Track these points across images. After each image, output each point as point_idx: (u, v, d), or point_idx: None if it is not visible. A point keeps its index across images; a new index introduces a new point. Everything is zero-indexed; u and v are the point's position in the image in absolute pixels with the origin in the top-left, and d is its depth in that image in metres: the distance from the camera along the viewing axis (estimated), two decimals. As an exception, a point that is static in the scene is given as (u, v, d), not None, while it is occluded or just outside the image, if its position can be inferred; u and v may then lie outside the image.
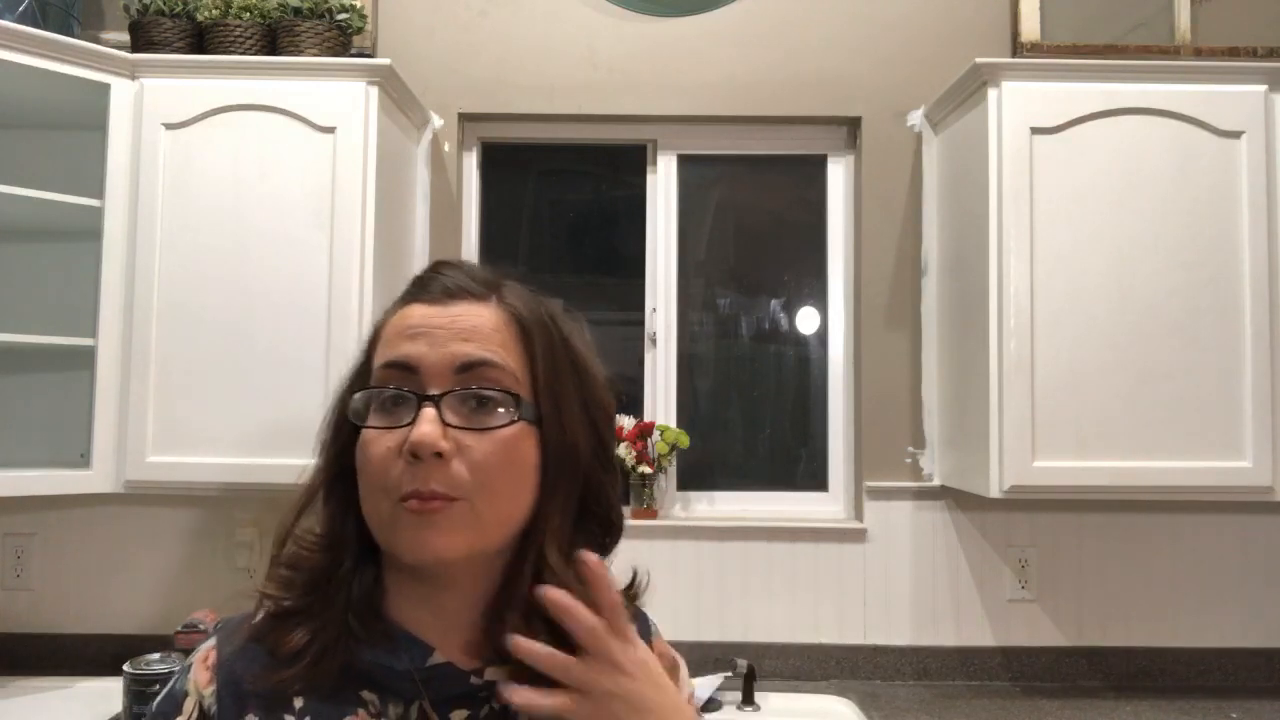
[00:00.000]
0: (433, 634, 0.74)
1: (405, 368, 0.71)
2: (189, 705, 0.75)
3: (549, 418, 0.73)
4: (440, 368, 0.71)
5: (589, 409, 0.77)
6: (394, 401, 0.71)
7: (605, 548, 0.78)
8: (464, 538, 0.69)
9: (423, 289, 0.75)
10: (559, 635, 0.69)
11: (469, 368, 0.71)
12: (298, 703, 0.72)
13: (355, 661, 0.72)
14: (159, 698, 0.77)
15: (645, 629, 0.84)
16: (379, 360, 0.73)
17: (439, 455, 0.68)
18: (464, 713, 0.73)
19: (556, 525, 0.73)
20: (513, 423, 0.70)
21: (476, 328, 0.72)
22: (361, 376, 0.76)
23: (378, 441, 0.70)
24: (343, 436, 0.75)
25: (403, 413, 0.70)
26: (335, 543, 0.75)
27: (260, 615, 0.75)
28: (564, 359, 0.76)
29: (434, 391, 0.70)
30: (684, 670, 0.86)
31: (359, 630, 0.72)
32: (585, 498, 0.76)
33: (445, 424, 0.69)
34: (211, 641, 0.77)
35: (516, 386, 0.72)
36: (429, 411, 0.69)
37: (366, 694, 0.72)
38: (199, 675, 0.75)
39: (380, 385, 0.72)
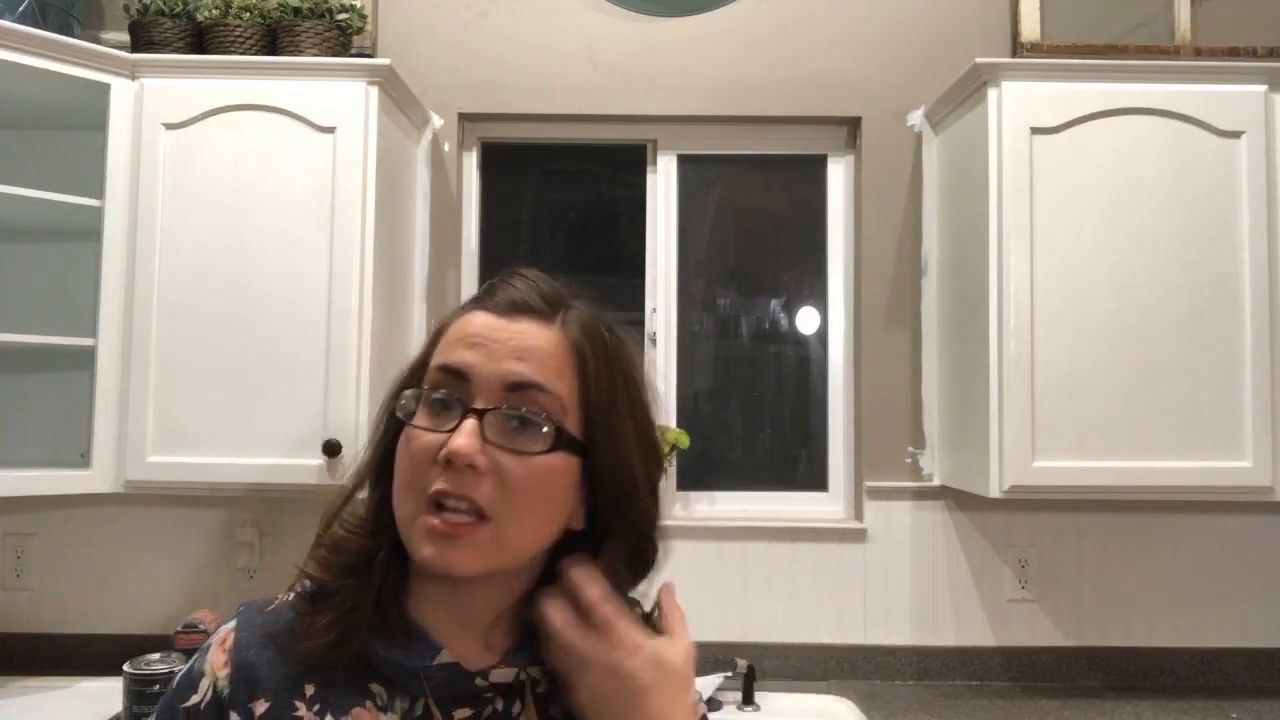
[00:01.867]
0: (445, 633, 0.75)
1: (458, 374, 0.72)
2: (204, 685, 0.75)
3: (601, 449, 0.73)
4: (490, 381, 0.71)
5: (642, 442, 0.76)
6: (442, 405, 0.71)
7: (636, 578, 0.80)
8: (483, 558, 0.70)
9: (490, 297, 0.75)
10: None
11: (519, 388, 0.71)
12: (308, 689, 0.73)
13: (367, 653, 0.73)
14: (180, 673, 0.79)
15: None
16: (436, 361, 0.74)
17: (473, 468, 0.69)
18: (467, 711, 0.74)
19: (614, 564, 0.76)
20: (550, 450, 0.70)
21: (533, 348, 0.72)
22: (417, 372, 0.76)
23: (418, 440, 0.71)
24: (394, 427, 0.76)
25: (447, 418, 0.71)
26: (377, 529, 0.76)
27: (293, 594, 0.77)
28: (621, 391, 0.75)
29: (480, 404, 0.70)
30: (694, 689, 0.87)
31: (378, 621, 0.74)
32: (639, 545, 0.78)
33: (485, 439, 0.69)
34: (232, 623, 0.79)
35: (562, 414, 0.72)
36: (470, 423, 0.69)
37: (375, 686, 0.74)
38: (216, 657, 0.76)
39: (431, 386, 0.73)
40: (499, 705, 0.74)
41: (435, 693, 0.73)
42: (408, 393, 0.74)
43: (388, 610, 0.74)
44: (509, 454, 0.69)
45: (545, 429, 0.70)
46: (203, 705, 0.74)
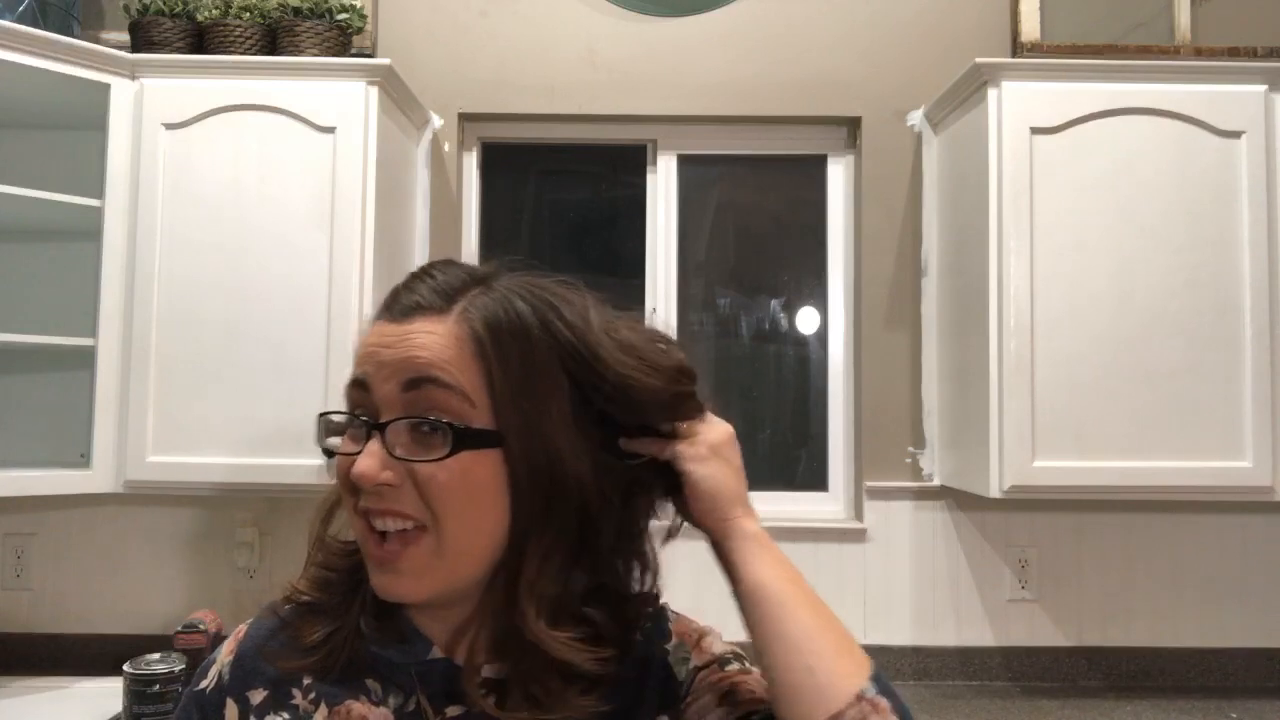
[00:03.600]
0: (437, 632, 0.76)
1: (362, 387, 0.71)
2: (213, 672, 0.80)
3: (516, 439, 0.69)
4: (388, 389, 0.69)
5: (595, 425, 0.71)
6: (358, 424, 0.71)
7: (625, 602, 0.75)
8: (427, 581, 0.69)
9: (389, 305, 0.73)
10: (533, 675, 0.69)
11: (414, 385, 0.68)
12: (305, 680, 0.76)
13: (363, 652, 0.75)
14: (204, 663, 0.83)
15: (662, 611, 0.82)
16: (348, 377, 0.73)
17: (388, 485, 0.68)
18: (459, 709, 0.74)
19: (534, 570, 0.69)
20: (454, 451, 0.67)
21: (425, 345, 0.69)
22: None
23: (338, 464, 0.72)
24: None
25: (359, 436, 0.70)
26: (357, 549, 0.76)
27: (289, 606, 0.79)
28: (542, 371, 0.70)
29: (385, 416, 0.69)
30: (716, 633, 0.84)
31: (370, 632, 0.75)
32: (586, 529, 0.71)
33: (393, 454, 0.68)
34: (252, 620, 0.82)
35: (468, 408, 0.68)
36: (372, 444, 0.68)
37: (371, 682, 0.75)
38: (227, 646, 0.81)
39: (349, 405, 0.72)
40: (491, 701, 0.73)
41: (427, 689, 0.74)
42: (323, 417, 0.73)
43: (380, 619, 0.75)
44: (418, 463, 0.68)
45: (443, 432, 0.67)
46: (208, 691, 0.79)
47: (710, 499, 0.74)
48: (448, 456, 0.67)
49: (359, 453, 0.68)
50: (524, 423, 0.69)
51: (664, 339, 0.77)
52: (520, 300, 0.71)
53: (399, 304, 0.72)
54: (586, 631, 0.70)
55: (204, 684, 0.79)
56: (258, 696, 0.76)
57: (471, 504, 0.69)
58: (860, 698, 0.65)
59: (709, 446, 0.75)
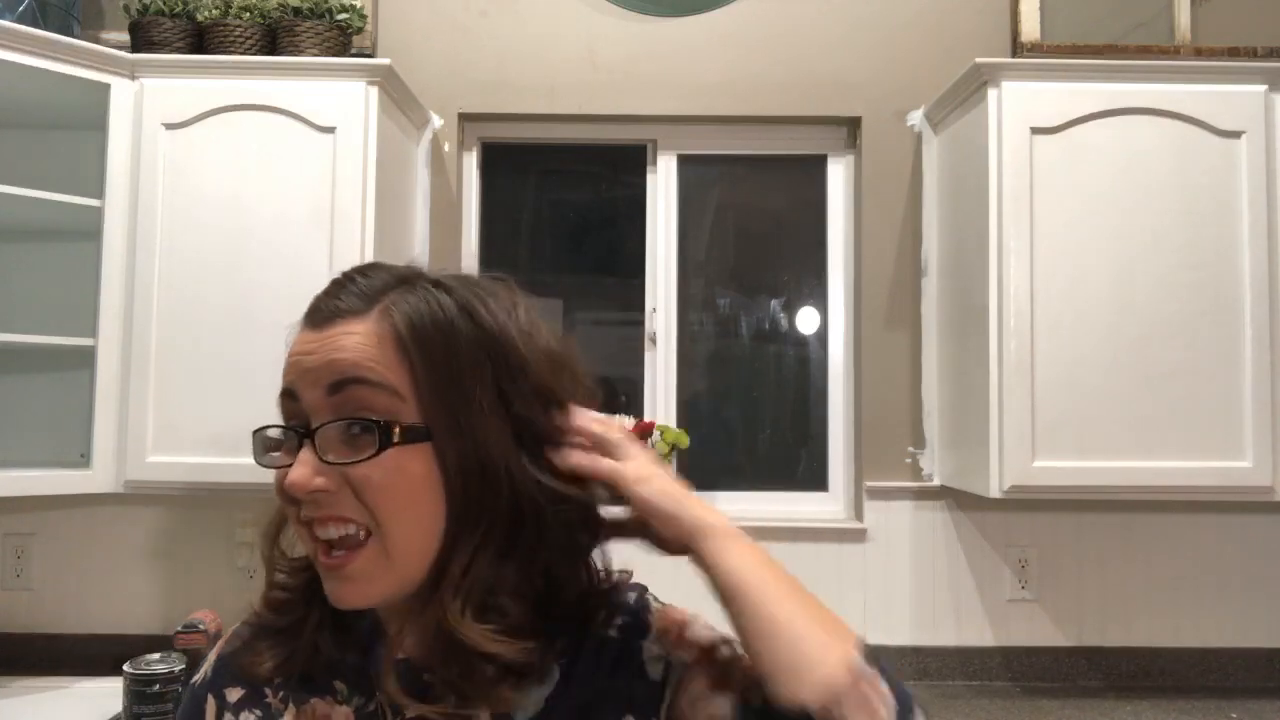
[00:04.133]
0: (403, 635, 0.75)
1: (291, 397, 0.71)
2: (204, 668, 0.84)
3: (443, 431, 0.68)
4: (315, 395, 0.69)
5: (515, 419, 0.70)
6: (291, 435, 0.70)
7: (559, 600, 0.73)
8: (377, 586, 0.69)
9: (311, 313, 0.73)
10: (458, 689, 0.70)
11: (339, 387, 0.68)
12: (277, 680, 0.78)
13: (328, 655, 0.77)
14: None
15: (643, 604, 0.80)
16: (279, 390, 0.73)
17: (323, 491, 0.68)
18: (419, 708, 0.73)
19: (462, 563, 0.69)
20: (382, 448, 0.66)
21: (346, 346, 0.69)
22: None
23: (275, 479, 0.71)
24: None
25: (293, 447, 0.70)
26: (311, 564, 0.75)
27: (250, 626, 0.82)
28: (468, 365, 0.69)
29: (315, 422, 0.69)
30: (701, 621, 0.81)
31: (328, 646, 0.76)
32: (520, 529, 0.70)
33: (325, 460, 0.67)
34: (239, 624, 0.85)
35: (398, 404, 0.68)
36: (303, 453, 0.68)
37: (338, 684, 0.77)
38: (218, 645, 0.84)
39: (272, 425, 0.72)
40: (450, 702, 0.73)
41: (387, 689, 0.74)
42: (258, 434, 0.73)
43: (337, 631, 0.76)
44: (350, 465, 0.67)
45: (370, 430, 0.67)
46: (196, 685, 0.83)
47: (667, 512, 0.72)
48: (375, 455, 0.67)
49: (292, 463, 0.68)
50: (449, 414, 0.69)
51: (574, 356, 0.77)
52: (444, 293, 0.71)
53: (320, 312, 0.72)
54: (507, 623, 0.69)
55: (195, 678, 0.84)
56: (234, 695, 0.79)
57: (410, 502, 0.68)
58: (851, 668, 0.65)
59: (648, 463, 0.73)
